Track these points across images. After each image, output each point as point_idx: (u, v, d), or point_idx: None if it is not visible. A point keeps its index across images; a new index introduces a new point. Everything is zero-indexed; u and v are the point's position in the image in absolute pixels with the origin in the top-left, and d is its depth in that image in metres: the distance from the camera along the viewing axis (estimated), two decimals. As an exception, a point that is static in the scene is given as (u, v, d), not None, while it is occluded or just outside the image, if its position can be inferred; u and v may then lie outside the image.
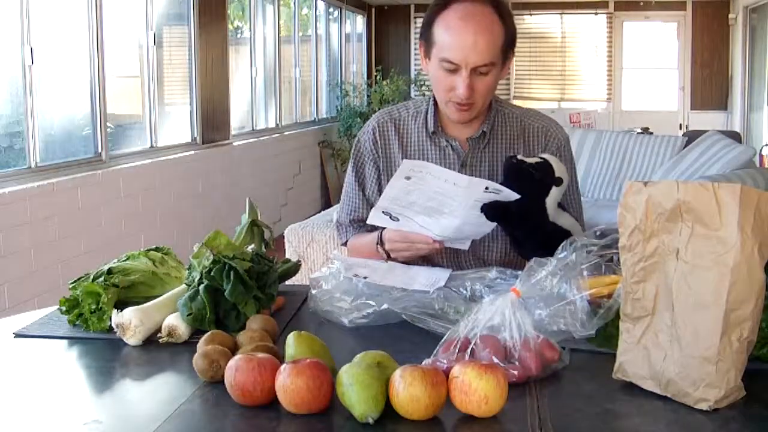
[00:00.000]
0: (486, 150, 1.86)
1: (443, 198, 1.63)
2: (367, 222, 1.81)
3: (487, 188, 1.60)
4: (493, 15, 1.71)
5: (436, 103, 1.88)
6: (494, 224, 1.66)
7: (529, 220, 1.67)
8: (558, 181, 1.68)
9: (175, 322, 1.43)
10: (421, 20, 1.86)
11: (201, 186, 5.92)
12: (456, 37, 1.70)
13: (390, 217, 1.69)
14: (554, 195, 1.68)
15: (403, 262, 1.76)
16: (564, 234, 1.65)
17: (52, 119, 4.50)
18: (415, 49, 10.93)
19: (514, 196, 1.61)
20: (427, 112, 1.89)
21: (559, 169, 1.69)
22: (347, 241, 1.98)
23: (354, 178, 1.96)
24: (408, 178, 1.64)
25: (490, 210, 1.63)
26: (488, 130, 1.86)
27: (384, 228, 1.76)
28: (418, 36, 1.87)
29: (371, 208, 1.80)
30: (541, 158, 1.69)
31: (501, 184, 1.64)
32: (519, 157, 1.69)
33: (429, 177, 1.63)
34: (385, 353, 1.18)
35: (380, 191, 1.88)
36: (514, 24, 1.77)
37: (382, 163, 1.92)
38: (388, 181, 1.82)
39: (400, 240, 1.71)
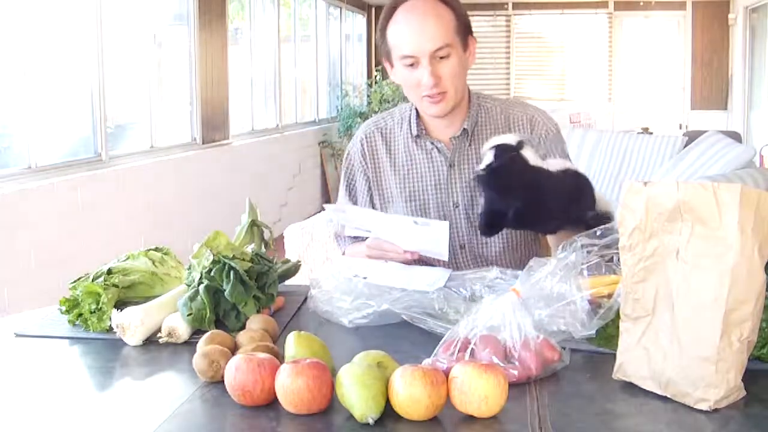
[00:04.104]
0: (471, 148, 1.86)
1: (385, 226, 1.68)
2: (345, 234, 1.87)
3: (416, 222, 1.64)
4: (436, 2, 1.76)
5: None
6: (446, 240, 1.62)
7: (538, 203, 1.57)
8: (519, 145, 1.57)
9: (175, 322, 1.43)
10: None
11: (201, 186, 5.91)
12: (406, 30, 1.76)
13: (364, 229, 1.74)
14: (529, 154, 1.57)
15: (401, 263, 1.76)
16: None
17: (52, 119, 4.49)
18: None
19: (444, 226, 1.60)
20: (410, 118, 1.90)
21: (509, 138, 1.59)
22: (345, 251, 1.99)
23: (345, 191, 1.98)
24: (343, 211, 1.71)
25: (490, 229, 1.63)
26: (470, 128, 1.86)
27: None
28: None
29: None
30: (492, 147, 1.59)
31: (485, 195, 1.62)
32: (477, 171, 1.62)
33: (357, 213, 1.70)
34: (385, 353, 1.18)
35: (372, 202, 1.93)
36: (462, 8, 1.81)
37: (371, 174, 1.94)
38: (378, 191, 1.92)
39: (375, 248, 1.73)
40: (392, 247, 1.69)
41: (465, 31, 1.80)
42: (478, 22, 11.08)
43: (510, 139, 1.59)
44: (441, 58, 1.74)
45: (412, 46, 1.74)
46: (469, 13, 1.82)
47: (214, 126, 6.26)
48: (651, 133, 6.96)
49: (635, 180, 1.22)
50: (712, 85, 10.69)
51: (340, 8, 9.95)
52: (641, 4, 10.80)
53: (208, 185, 6.02)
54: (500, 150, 1.56)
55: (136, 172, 5.05)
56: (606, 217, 1.62)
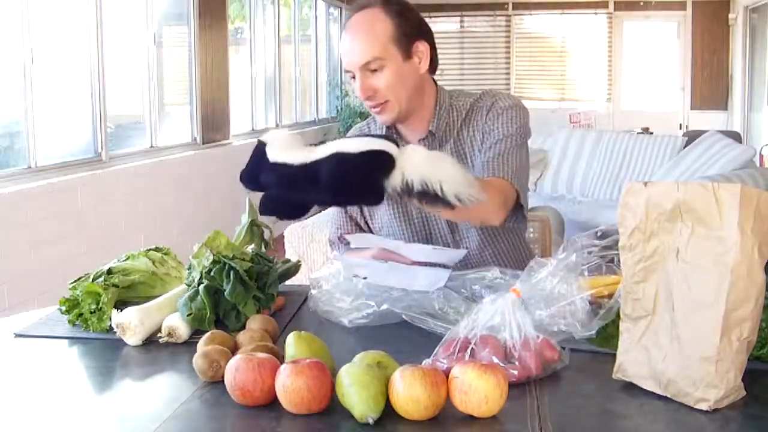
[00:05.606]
0: (441, 150, 1.85)
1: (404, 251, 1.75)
2: (351, 246, 1.88)
3: (434, 249, 1.73)
4: (377, 13, 1.75)
5: None
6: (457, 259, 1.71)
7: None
8: (264, 143, 1.35)
9: (175, 322, 1.43)
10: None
11: (201, 186, 5.91)
12: (341, 47, 1.79)
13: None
14: (273, 151, 1.35)
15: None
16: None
17: (52, 119, 4.49)
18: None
19: (460, 254, 1.71)
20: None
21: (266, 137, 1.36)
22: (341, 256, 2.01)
23: None
24: (366, 240, 1.82)
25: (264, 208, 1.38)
26: (437, 129, 1.84)
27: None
28: None
29: (354, 223, 1.95)
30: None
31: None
32: None
33: (381, 242, 1.79)
34: (385, 353, 1.18)
35: (360, 207, 1.94)
36: (410, 15, 1.78)
37: None
38: None
39: (383, 259, 1.74)
40: (401, 260, 1.71)
41: (408, 40, 1.76)
42: (478, 22, 11.10)
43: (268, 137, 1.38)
44: (374, 70, 1.74)
45: (345, 60, 1.77)
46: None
47: (214, 126, 6.26)
48: (651, 133, 6.96)
49: (635, 180, 1.22)
50: (712, 86, 10.70)
51: (340, 8, 9.94)
52: (641, 4, 10.81)
53: (208, 185, 6.01)
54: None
55: (136, 171, 5.05)
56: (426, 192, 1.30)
